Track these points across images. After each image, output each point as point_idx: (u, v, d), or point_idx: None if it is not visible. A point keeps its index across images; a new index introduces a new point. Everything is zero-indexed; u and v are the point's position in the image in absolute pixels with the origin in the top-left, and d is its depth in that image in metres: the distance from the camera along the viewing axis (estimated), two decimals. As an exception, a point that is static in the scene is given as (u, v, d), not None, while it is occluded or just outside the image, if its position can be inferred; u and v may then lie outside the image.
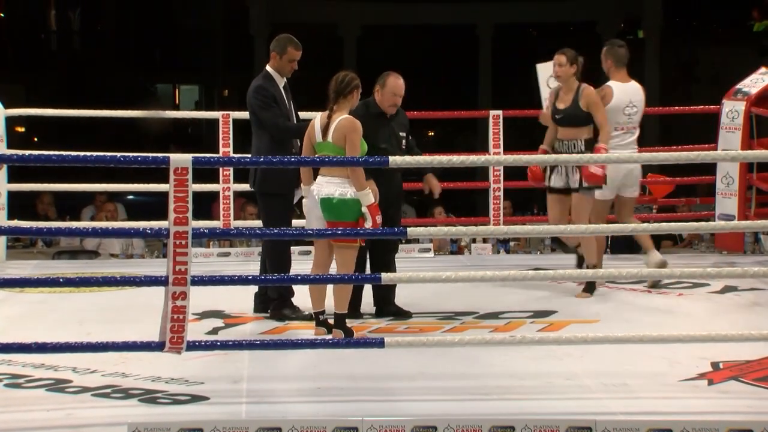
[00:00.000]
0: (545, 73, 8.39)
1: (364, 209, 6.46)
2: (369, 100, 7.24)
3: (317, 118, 6.69)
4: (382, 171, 6.95)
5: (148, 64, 24.88)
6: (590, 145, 7.77)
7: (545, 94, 8.27)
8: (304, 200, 6.84)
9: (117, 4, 24.84)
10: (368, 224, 6.43)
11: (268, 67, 7.51)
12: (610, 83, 8.03)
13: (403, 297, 7.23)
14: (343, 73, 6.73)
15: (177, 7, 24.23)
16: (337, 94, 6.64)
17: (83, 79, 23.75)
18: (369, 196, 6.46)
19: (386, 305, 7.20)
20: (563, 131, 7.89)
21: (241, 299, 7.32)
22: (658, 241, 10.70)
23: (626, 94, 8.02)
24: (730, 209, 9.11)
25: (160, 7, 24.01)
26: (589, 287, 7.79)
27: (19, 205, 9.89)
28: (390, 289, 7.19)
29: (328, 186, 6.53)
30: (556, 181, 7.86)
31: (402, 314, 7.14)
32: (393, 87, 7.18)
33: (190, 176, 5.46)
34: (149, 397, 5.53)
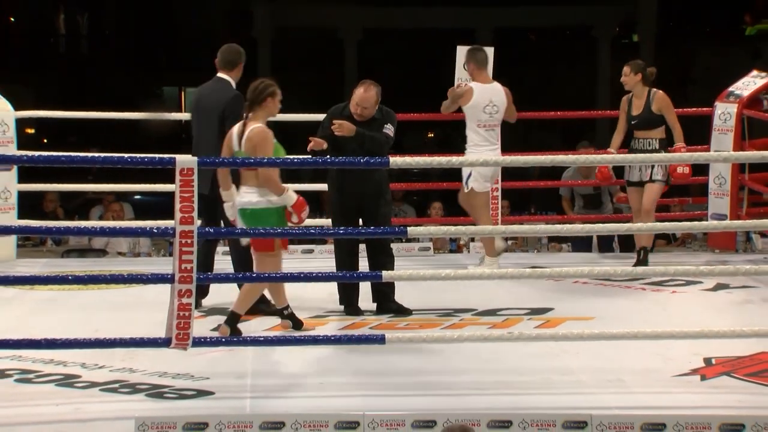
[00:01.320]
0: (463, 55, 8.74)
1: (290, 209, 6.40)
2: (347, 103, 7.29)
3: (235, 126, 6.57)
4: (354, 170, 7.01)
5: (154, 67, 24.88)
6: (663, 144, 8.50)
7: (459, 74, 8.78)
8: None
9: (123, 9, 24.85)
10: (294, 219, 6.40)
11: (230, 78, 7.53)
12: (472, 84, 8.48)
13: (403, 294, 7.24)
14: (258, 81, 6.56)
15: (181, 11, 24.24)
16: (251, 103, 6.50)
17: (91, 82, 23.76)
18: (290, 197, 6.38)
19: (386, 302, 7.20)
20: (639, 133, 8.59)
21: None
22: (653, 240, 10.72)
23: (487, 93, 8.44)
24: (722, 209, 9.11)
25: (165, 11, 24.02)
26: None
27: (29, 205, 9.90)
28: (390, 287, 7.20)
29: (244, 196, 6.44)
30: (633, 176, 8.58)
31: (402, 311, 7.15)
32: (356, 97, 7.21)
33: (195, 177, 5.48)
34: (156, 391, 5.55)
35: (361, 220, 7.21)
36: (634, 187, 8.62)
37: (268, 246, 6.46)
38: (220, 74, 7.60)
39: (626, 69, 8.56)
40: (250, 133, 6.42)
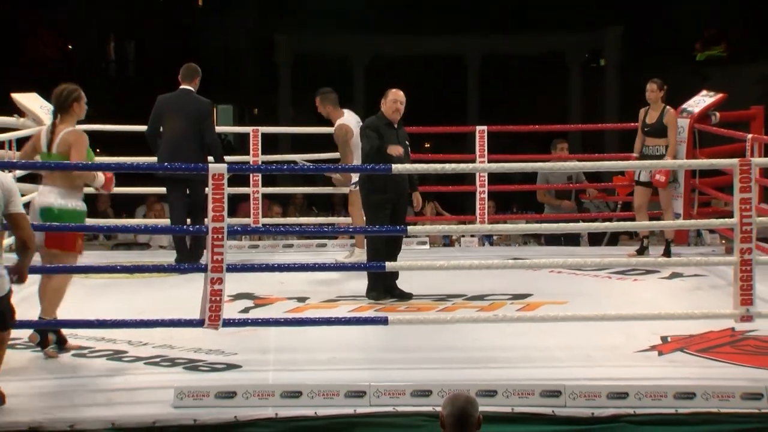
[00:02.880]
0: None
1: (102, 190, 6.14)
2: (379, 114, 7.29)
3: (43, 129, 6.04)
4: (396, 176, 6.95)
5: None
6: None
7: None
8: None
9: (165, 38, 24.86)
10: (98, 181, 5.95)
11: (192, 88, 7.95)
12: (344, 120, 8.32)
13: (404, 282, 7.21)
14: (62, 88, 5.99)
15: (214, 40, 24.21)
16: (57, 109, 5.95)
17: (137, 101, 23.82)
18: (100, 179, 5.99)
19: (390, 289, 7.18)
20: (650, 140, 8.64)
21: (269, 284, 7.33)
22: (618, 235, 10.71)
23: (353, 120, 8.41)
24: (677, 209, 9.07)
25: (200, 40, 24.01)
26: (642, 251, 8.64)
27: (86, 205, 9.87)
28: (394, 275, 7.17)
29: (48, 195, 5.75)
30: (642, 176, 8.61)
31: (404, 296, 7.13)
32: (393, 95, 7.24)
33: (225, 181, 5.47)
34: (192, 365, 5.56)
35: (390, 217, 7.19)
36: (642, 187, 8.68)
37: (71, 245, 5.81)
38: (184, 86, 8.04)
39: (653, 86, 8.64)
40: (65, 135, 5.86)
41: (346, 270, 7.08)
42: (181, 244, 8.11)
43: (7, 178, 5.01)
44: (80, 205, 5.88)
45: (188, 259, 7.88)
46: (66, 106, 5.95)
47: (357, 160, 8.22)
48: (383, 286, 7.05)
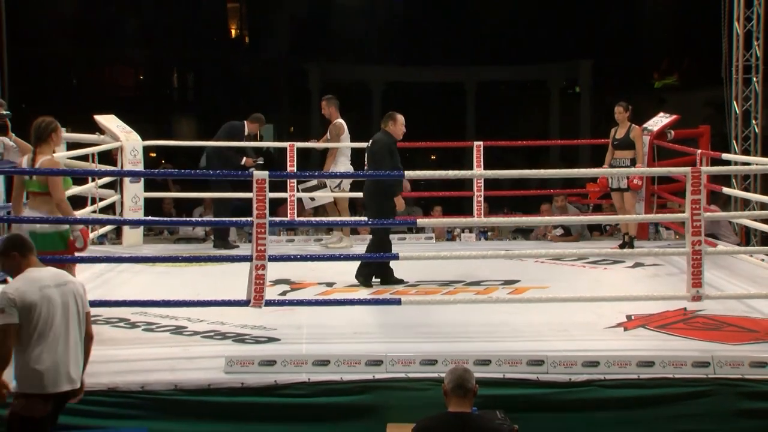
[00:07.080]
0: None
1: (77, 233, 5.34)
2: (388, 133, 7.08)
3: (25, 158, 5.53)
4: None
5: (240, 110, 24.80)
6: (633, 162, 8.48)
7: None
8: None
9: (218, 70, 24.91)
10: (80, 244, 5.33)
11: (248, 128, 8.95)
12: (341, 121, 8.71)
13: (413, 270, 7.16)
14: (40, 120, 5.41)
15: (255, 71, 24.23)
16: (37, 139, 5.39)
17: (195, 120, 23.90)
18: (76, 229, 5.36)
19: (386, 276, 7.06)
20: (618, 153, 8.60)
21: (303, 272, 7.32)
22: (591, 231, 10.66)
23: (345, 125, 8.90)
24: (639, 209, 9.04)
25: (245, 71, 24.07)
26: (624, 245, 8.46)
27: (152, 207, 9.90)
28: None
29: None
30: (613, 184, 8.58)
31: (399, 281, 7.02)
32: (402, 120, 7.13)
33: (267, 186, 5.47)
34: (239, 338, 5.55)
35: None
36: (615, 192, 8.61)
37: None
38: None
39: (620, 108, 8.60)
40: (41, 165, 5.33)
41: (366, 260, 7.03)
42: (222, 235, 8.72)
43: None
44: (60, 226, 5.32)
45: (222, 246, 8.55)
46: (45, 137, 5.40)
47: (343, 153, 8.64)
48: (372, 274, 6.93)
